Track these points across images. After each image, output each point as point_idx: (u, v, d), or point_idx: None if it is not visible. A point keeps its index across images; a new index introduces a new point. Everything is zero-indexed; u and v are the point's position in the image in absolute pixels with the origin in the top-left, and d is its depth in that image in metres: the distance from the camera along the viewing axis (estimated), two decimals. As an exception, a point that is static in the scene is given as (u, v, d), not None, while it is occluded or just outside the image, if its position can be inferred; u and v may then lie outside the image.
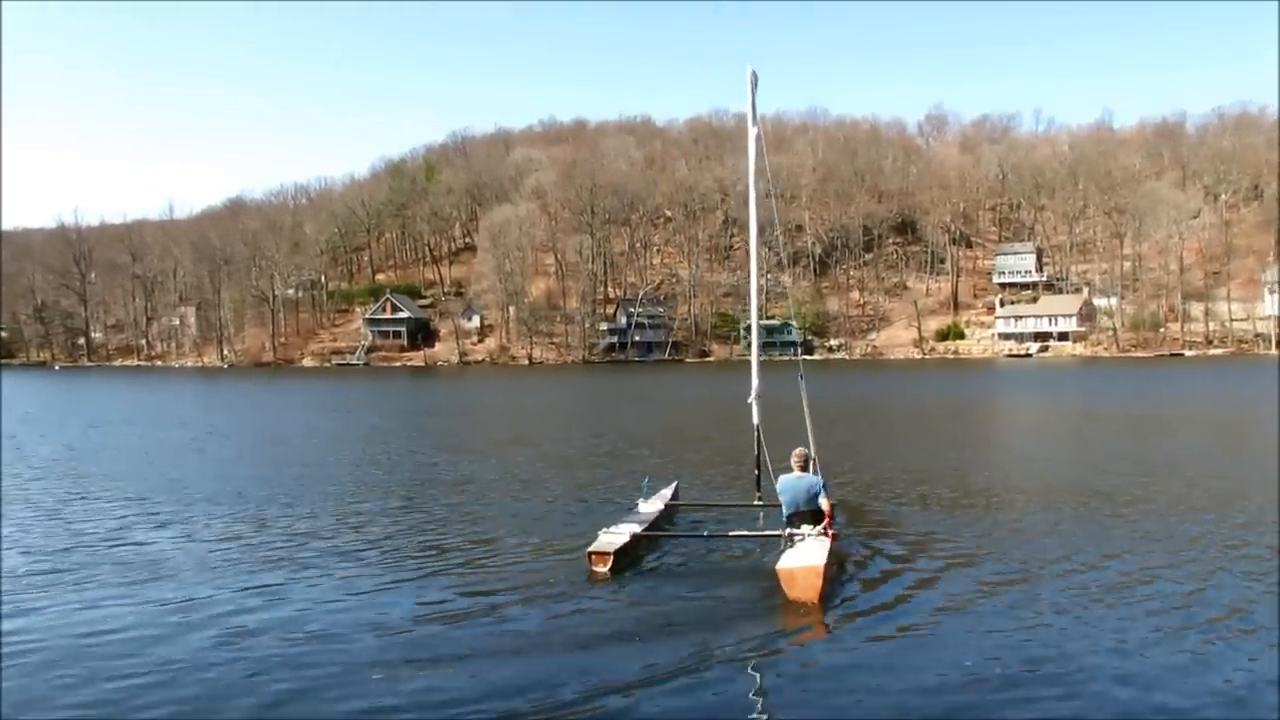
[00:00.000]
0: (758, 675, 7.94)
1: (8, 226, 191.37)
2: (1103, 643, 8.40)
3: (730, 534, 12.94)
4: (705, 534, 13.13)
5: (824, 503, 11.92)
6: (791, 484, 12.16)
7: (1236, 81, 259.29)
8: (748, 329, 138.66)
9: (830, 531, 11.48)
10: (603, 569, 11.20)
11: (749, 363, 15.01)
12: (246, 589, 10.64)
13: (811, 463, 12.83)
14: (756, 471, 14.81)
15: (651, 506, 14.07)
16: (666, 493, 15.10)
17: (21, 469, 21.40)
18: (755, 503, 14.68)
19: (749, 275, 16.52)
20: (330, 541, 13.31)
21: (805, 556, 10.51)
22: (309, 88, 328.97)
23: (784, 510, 12.10)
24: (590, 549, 11.48)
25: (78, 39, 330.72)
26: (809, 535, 11.44)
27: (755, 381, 14.62)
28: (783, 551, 11.10)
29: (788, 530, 11.81)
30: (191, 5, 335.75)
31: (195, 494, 17.53)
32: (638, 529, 12.49)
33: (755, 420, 14.60)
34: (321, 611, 9.77)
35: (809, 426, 14.12)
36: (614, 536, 11.92)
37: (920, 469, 20.03)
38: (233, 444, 28.29)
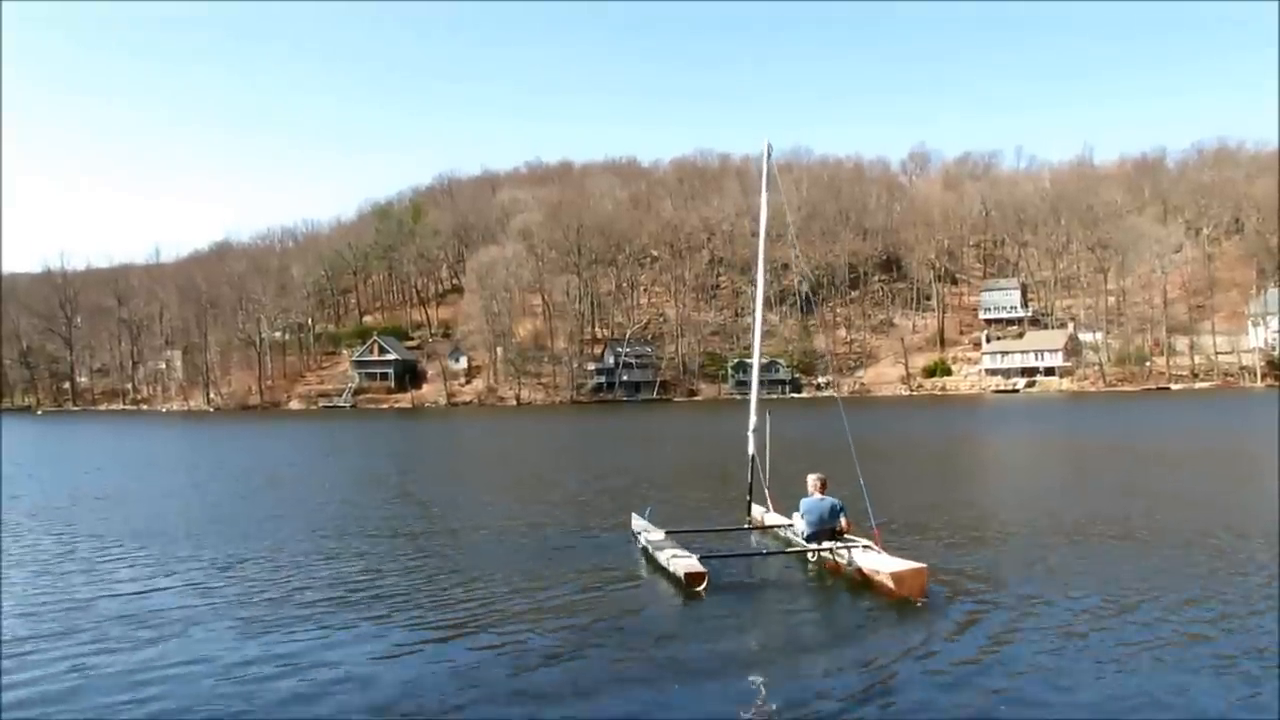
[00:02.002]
0: (920, 677, 8.39)
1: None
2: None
3: (788, 551, 13.80)
4: (764, 552, 14.10)
5: (843, 521, 13.36)
6: (816, 505, 13.48)
7: (1214, 116, 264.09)
8: (735, 368, 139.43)
9: (879, 542, 12.59)
10: (699, 587, 11.65)
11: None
12: (282, 643, 9.94)
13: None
14: (748, 498, 15.88)
15: (656, 535, 14.34)
16: (644, 522, 15.35)
17: (11, 519, 20.83)
18: (745, 526, 15.71)
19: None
20: (377, 589, 12.58)
21: (903, 560, 11.67)
22: (295, 131, 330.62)
23: (806, 529, 13.38)
24: (685, 571, 11.82)
25: (63, 78, 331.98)
26: (860, 545, 12.55)
27: (753, 418, 15.93)
28: (851, 561, 12.27)
29: (813, 545, 13.18)
30: (175, 48, 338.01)
31: (205, 542, 16.65)
32: (690, 553, 12.91)
33: (751, 451, 15.89)
34: (387, 662, 9.21)
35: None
36: (689, 559, 12.34)
37: (936, 504, 19.73)
38: (234, 488, 27.43)
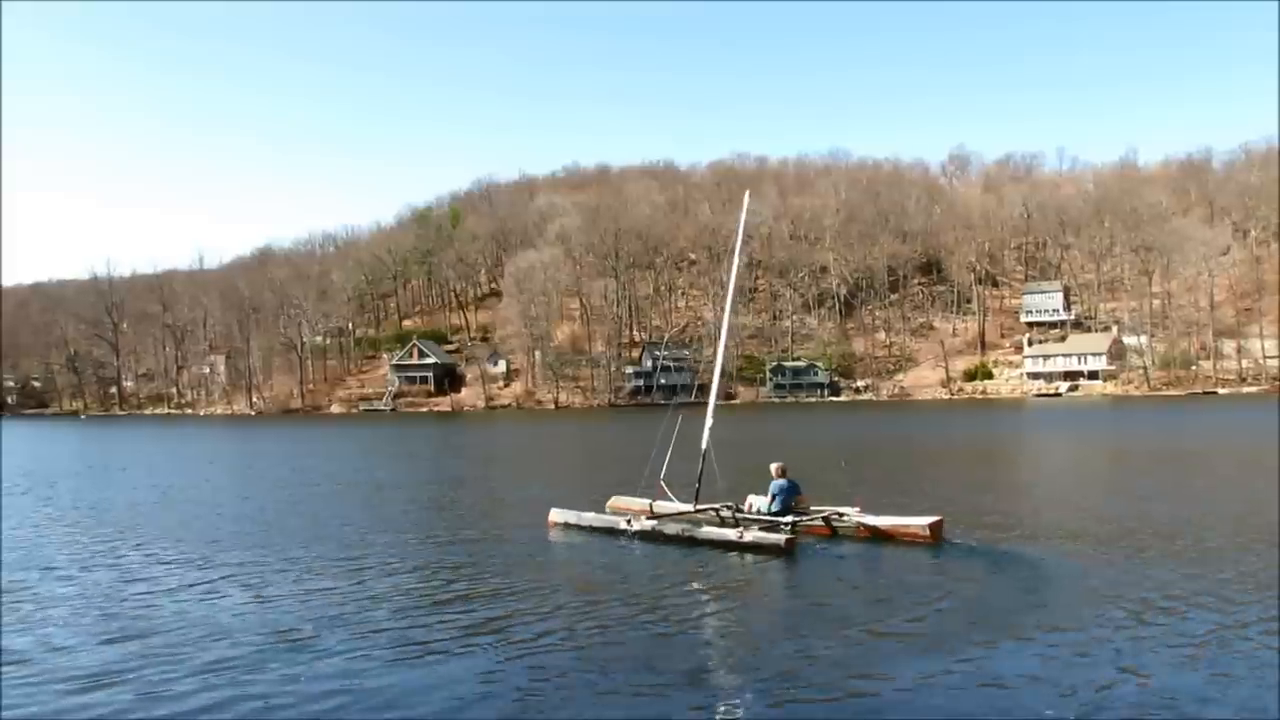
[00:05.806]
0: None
1: (41, 278, 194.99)
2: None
3: (815, 524, 16.56)
4: (785, 525, 16.45)
5: (801, 497, 17.01)
6: (784, 486, 16.96)
7: (1263, 118, 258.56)
8: (774, 370, 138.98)
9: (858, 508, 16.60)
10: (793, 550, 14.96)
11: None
12: (386, 660, 9.67)
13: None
14: (697, 485, 17.84)
15: (644, 525, 16.82)
16: (591, 514, 18.21)
17: (57, 523, 21.00)
18: (697, 509, 17.48)
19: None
20: (481, 594, 12.64)
21: (918, 517, 15.93)
22: (336, 138, 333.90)
23: (775, 506, 16.72)
24: (785, 539, 14.98)
25: (108, 85, 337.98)
26: (850, 510, 16.55)
27: (709, 420, 18.50)
28: (858, 523, 16.09)
29: (789, 518, 16.54)
30: (218, 58, 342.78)
31: (283, 547, 16.67)
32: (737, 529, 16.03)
33: (704, 445, 18.09)
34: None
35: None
36: (759, 531, 15.52)
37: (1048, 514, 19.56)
38: (302, 492, 27.48)
